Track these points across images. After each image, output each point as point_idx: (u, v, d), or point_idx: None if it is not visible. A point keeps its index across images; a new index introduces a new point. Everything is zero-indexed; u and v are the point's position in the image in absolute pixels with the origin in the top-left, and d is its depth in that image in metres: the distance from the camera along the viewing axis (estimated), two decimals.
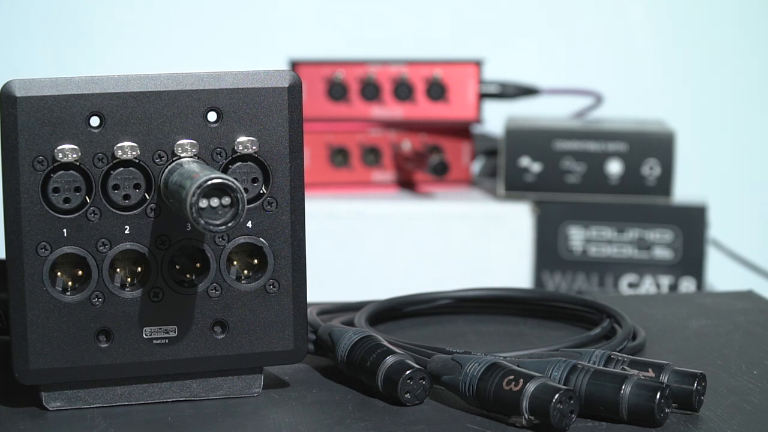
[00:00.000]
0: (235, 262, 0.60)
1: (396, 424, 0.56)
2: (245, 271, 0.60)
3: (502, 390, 0.56)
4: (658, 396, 0.55)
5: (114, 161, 0.57)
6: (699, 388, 0.57)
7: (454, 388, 0.58)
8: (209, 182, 0.53)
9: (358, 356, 0.61)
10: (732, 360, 0.66)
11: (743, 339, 0.71)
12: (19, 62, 1.67)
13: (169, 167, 0.57)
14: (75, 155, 0.56)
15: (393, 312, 0.74)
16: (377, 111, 1.44)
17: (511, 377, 0.56)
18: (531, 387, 0.55)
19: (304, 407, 0.59)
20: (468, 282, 0.93)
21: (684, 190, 1.46)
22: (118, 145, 0.57)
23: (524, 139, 1.39)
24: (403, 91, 1.43)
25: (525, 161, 1.39)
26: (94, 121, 0.56)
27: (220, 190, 0.54)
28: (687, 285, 1.39)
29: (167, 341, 0.58)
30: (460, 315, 0.76)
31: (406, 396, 0.58)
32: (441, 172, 1.37)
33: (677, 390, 0.57)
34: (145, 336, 0.58)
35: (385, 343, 0.61)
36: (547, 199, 1.39)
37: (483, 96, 1.45)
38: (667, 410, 0.55)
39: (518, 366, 0.57)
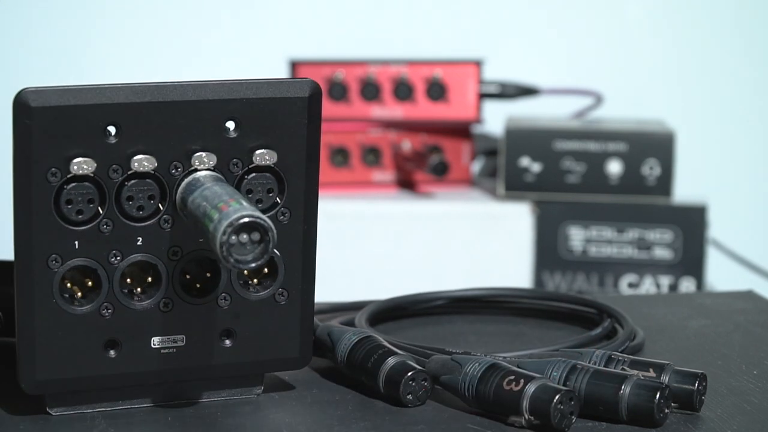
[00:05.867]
0: (245, 272, 0.58)
1: (396, 424, 0.56)
2: (255, 280, 0.59)
3: (502, 390, 0.56)
4: (657, 396, 0.55)
5: (129, 173, 0.55)
6: (700, 388, 0.57)
7: (453, 388, 0.58)
8: (242, 221, 0.52)
9: (358, 357, 0.61)
10: (732, 360, 0.66)
11: (743, 339, 0.71)
12: (20, 64, 1.67)
13: (187, 181, 0.56)
14: (90, 168, 0.54)
15: (393, 312, 0.74)
16: (377, 111, 1.44)
17: (511, 377, 0.56)
18: (531, 387, 0.55)
19: (304, 407, 0.59)
20: (468, 282, 0.92)
21: (684, 190, 1.46)
22: (135, 158, 0.55)
23: (524, 139, 1.39)
24: (403, 91, 1.43)
25: (525, 161, 1.39)
26: (110, 131, 0.55)
27: (250, 227, 0.52)
28: (687, 285, 1.39)
29: (175, 350, 0.58)
30: (460, 315, 0.76)
31: (408, 397, 0.58)
32: (441, 172, 1.37)
33: (678, 390, 0.57)
34: (153, 346, 0.57)
35: (386, 343, 0.61)
36: (547, 199, 1.39)
37: (483, 96, 1.45)
38: (666, 410, 0.55)
39: (518, 366, 0.57)
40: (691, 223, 1.38)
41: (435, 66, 1.44)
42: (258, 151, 0.57)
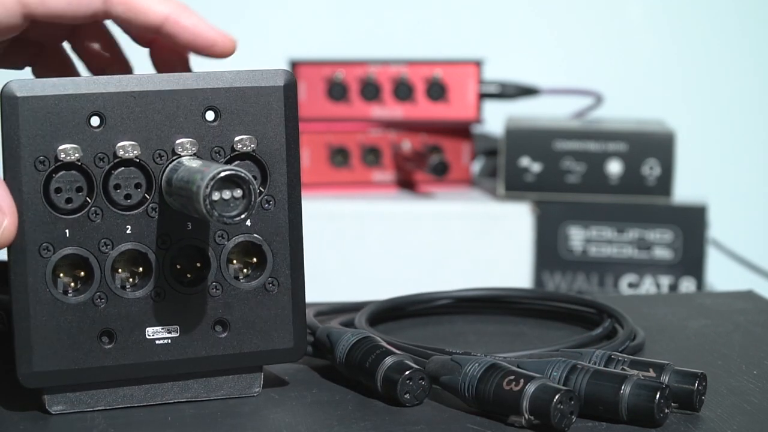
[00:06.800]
0: (234, 261, 0.60)
1: (396, 424, 0.56)
2: (244, 270, 0.60)
3: (502, 390, 0.56)
4: (657, 396, 0.55)
5: (115, 161, 0.57)
6: (700, 388, 0.57)
7: (453, 389, 0.58)
8: (222, 173, 0.53)
9: (356, 357, 0.61)
10: (732, 360, 0.66)
11: (743, 339, 0.71)
12: None
13: (170, 166, 0.57)
14: (77, 155, 0.56)
15: (393, 312, 0.74)
16: (377, 111, 1.44)
17: (511, 377, 0.56)
18: (531, 387, 0.55)
19: (304, 407, 0.59)
20: (468, 282, 0.92)
21: (684, 190, 1.46)
22: (119, 144, 0.56)
23: (524, 139, 1.39)
24: (403, 91, 1.43)
25: (525, 161, 1.39)
26: (95, 120, 0.56)
27: (231, 182, 0.54)
28: (687, 285, 1.39)
29: (170, 341, 0.58)
30: (460, 315, 0.76)
31: (405, 396, 0.58)
32: (441, 172, 1.37)
33: (678, 390, 0.57)
34: (147, 336, 0.58)
35: (384, 343, 0.61)
36: (547, 199, 1.39)
37: (483, 96, 1.45)
38: (666, 410, 0.55)
39: (518, 366, 0.57)
40: (691, 223, 1.38)
41: (435, 66, 1.44)
42: (237, 137, 0.58)
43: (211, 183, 0.53)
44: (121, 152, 0.56)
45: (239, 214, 0.54)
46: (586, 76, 1.63)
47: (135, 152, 0.57)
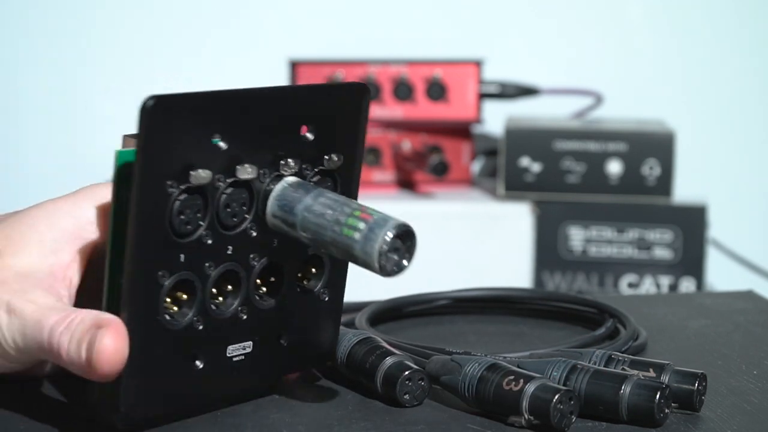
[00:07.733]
0: (298, 273, 0.59)
1: (396, 424, 0.56)
2: (305, 281, 0.59)
3: (502, 390, 0.56)
4: (657, 396, 0.55)
5: (229, 180, 0.54)
6: (700, 388, 0.57)
7: (453, 388, 0.58)
8: (404, 229, 0.53)
9: (357, 358, 0.61)
10: (732, 360, 0.66)
11: (743, 339, 0.71)
12: (18, 60, 1.67)
13: (277, 188, 0.55)
14: (207, 178, 0.52)
15: (393, 312, 0.74)
16: (377, 111, 1.44)
17: (511, 377, 0.56)
18: (531, 387, 0.55)
19: (304, 407, 0.59)
20: (468, 282, 0.92)
21: (684, 190, 1.46)
22: (240, 167, 0.53)
23: (524, 139, 1.39)
24: (403, 91, 1.43)
25: (525, 161, 1.39)
26: (221, 138, 0.53)
27: (407, 234, 0.54)
28: (687, 285, 1.39)
29: (244, 357, 0.57)
30: (460, 315, 0.76)
31: (405, 397, 0.58)
32: (441, 172, 1.37)
33: (678, 390, 0.57)
34: (228, 354, 0.56)
35: (384, 344, 0.61)
36: (547, 199, 1.39)
37: (483, 96, 1.45)
38: (666, 410, 0.55)
39: (518, 366, 0.57)
40: (691, 223, 1.38)
41: (435, 66, 1.44)
42: (327, 156, 0.57)
43: (391, 238, 0.53)
44: (239, 173, 0.53)
45: (407, 265, 0.54)
46: (586, 76, 1.63)
47: (253, 174, 0.54)
